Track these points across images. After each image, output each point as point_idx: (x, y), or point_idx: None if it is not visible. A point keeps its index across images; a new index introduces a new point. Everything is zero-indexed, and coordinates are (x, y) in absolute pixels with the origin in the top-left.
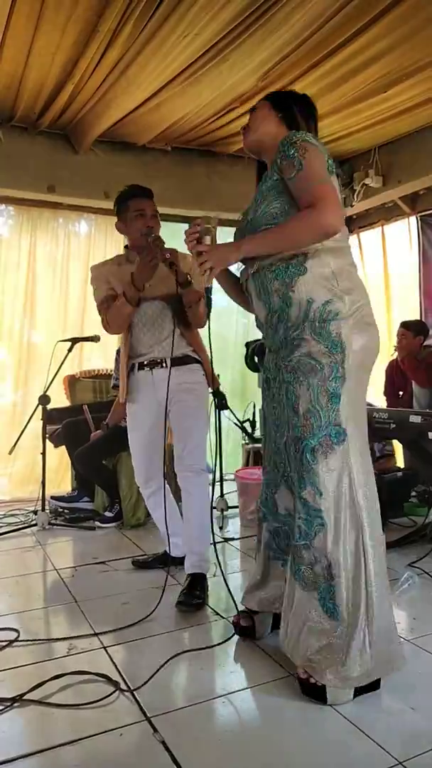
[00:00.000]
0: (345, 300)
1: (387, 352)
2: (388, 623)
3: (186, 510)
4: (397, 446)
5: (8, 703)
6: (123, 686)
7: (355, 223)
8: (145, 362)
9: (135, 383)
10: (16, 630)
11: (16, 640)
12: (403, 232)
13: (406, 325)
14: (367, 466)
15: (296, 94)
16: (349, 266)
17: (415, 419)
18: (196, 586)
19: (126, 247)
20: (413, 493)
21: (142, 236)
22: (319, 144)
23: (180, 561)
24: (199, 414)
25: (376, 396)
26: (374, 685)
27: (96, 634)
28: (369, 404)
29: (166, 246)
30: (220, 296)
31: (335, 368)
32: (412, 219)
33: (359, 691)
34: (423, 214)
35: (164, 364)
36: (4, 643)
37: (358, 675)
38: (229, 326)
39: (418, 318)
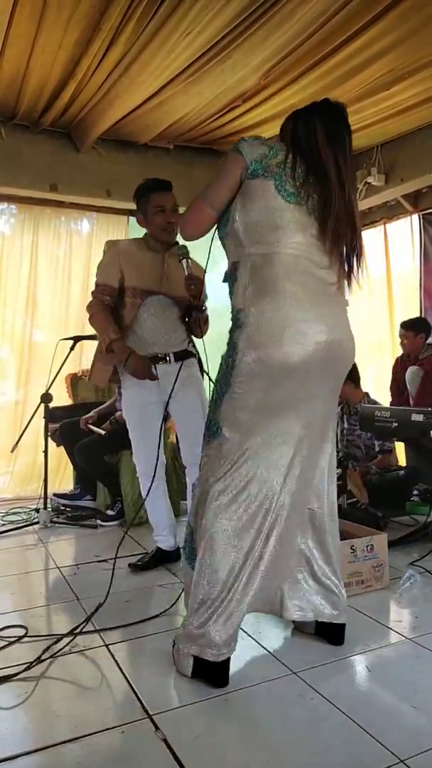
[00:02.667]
0: (250, 310)
1: (390, 351)
2: (206, 607)
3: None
4: (399, 445)
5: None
6: (125, 684)
7: None
8: (149, 356)
9: (136, 379)
10: (24, 627)
11: (25, 635)
12: (406, 230)
13: (405, 326)
14: (233, 475)
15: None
16: (269, 274)
17: (417, 418)
18: None
19: (146, 235)
20: (415, 492)
21: (162, 231)
22: (247, 145)
23: (171, 555)
24: (202, 407)
25: (378, 393)
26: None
27: (98, 630)
28: (373, 402)
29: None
30: (223, 294)
31: (226, 373)
32: (415, 217)
33: (201, 671)
34: (425, 212)
35: (168, 359)
36: (10, 640)
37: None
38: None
39: (419, 316)
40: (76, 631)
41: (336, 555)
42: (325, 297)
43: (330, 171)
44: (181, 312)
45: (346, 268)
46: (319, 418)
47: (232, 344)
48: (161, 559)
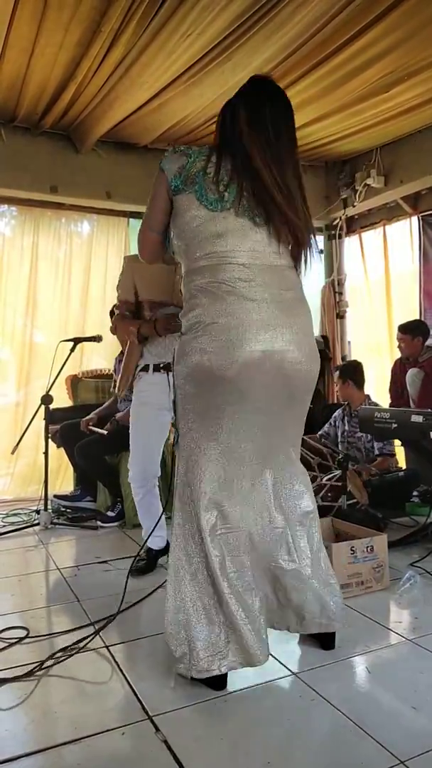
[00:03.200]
0: (186, 316)
1: (389, 353)
2: (178, 615)
3: None
4: (399, 446)
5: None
6: (125, 685)
7: (356, 223)
8: (161, 365)
9: (147, 384)
10: (25, 628)
11: (26, 637)
12: (405, 232)
13: (402, 329)
14: (189, 476)
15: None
16: (208, 285)
17: (416, 419)
18: None
19: None
20: (415, 493)
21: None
22: (167, 161)
23: (164, 550)
24: None
25: (378, 395)
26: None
27: (97, 631)
28: (374, 404)
29: None
30: None
31: (174, 379)
32: (414, 219)
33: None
34: (424, 214)
35: None
36: (12, 641)
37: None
38: None
39: (418, 318)
40: (80, 645)
41: (318, 569)
42: (274, 305)
43: (255, 159)
44: None
45: (302, 256)
46: (271, 432)
47: (176, 351)
48: (156, 557)
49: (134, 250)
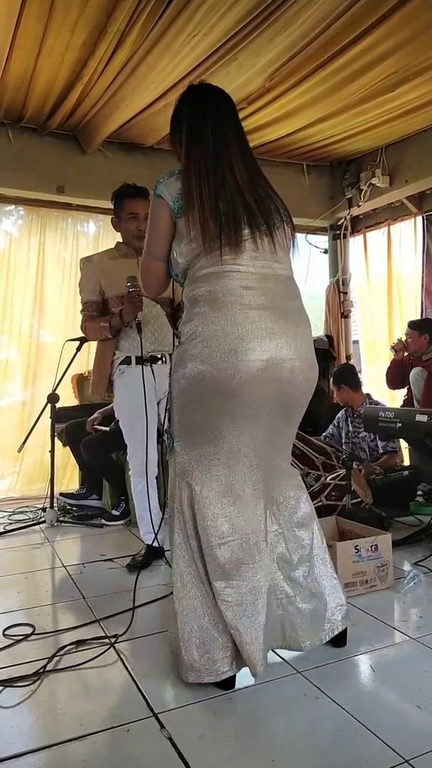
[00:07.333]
0: (185, 327)
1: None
2: (190, 626)
3: None
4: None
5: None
6: (130, 682)
7: (361, 223)
8: (145, 357)
9: (131, 377)
10: (31, 625)
11: (32, 634)
12: (410, 231)
13: (411, 325)
14: (195, 483)
15: (184, 98)
16: (209, 293)
17: (421, 418)
18: None
19: (118, 242)
20: (419, 492)
21: (133, 238)
22: (164, 186)
23: (160, 550)
24: None
25: (378, 393)
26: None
27: (100, 626)
28: (375, 402)
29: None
30: None
31: (171, 388)
32: (419, 219)
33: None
34: (429, 213)
35: (164, 359)
36: (18, 638)
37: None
38: None
39: (427, 317)
40: (86, 643)
41: (321, 578)
42: (278, 313)
43: (217, 173)
44: (166, 310)
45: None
46: (270, 440)
47: (172, 362)
48: (153, 555)
49: None
